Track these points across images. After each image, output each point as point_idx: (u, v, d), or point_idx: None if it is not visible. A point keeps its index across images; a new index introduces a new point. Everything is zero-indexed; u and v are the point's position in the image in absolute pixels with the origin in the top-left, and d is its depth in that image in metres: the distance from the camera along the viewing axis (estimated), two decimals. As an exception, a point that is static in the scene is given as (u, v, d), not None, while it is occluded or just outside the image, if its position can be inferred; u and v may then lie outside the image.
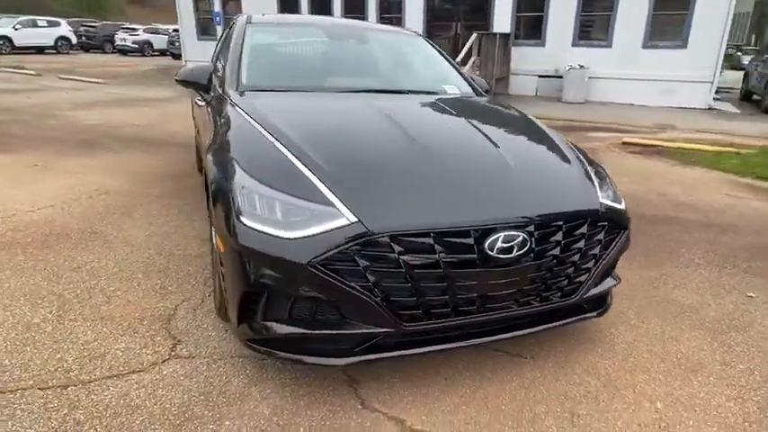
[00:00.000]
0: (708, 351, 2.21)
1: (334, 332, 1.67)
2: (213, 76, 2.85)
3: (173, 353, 2.03)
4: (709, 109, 11.37)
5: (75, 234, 3.16)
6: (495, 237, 1.67)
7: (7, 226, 3.23)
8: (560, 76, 12.11)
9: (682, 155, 6.44)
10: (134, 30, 28.06)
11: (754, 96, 13.02)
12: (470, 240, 1.65)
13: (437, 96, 2.86)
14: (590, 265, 1.92)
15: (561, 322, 1.98)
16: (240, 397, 1.80)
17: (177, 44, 22.48)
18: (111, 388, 1.81)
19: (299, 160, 1.81)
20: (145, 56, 25.87)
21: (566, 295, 1.90)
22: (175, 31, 25.65)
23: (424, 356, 1.90)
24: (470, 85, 3.19)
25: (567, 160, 2.17)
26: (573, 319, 2.01)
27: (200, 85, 2.80)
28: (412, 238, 1.61)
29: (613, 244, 1.99)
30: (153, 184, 4.27)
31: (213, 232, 2.06)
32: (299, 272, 1.58)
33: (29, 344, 2.04)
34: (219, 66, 3.15)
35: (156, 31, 28.01)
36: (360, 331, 1.67)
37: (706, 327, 2.42)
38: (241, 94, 2.53)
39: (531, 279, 1.79)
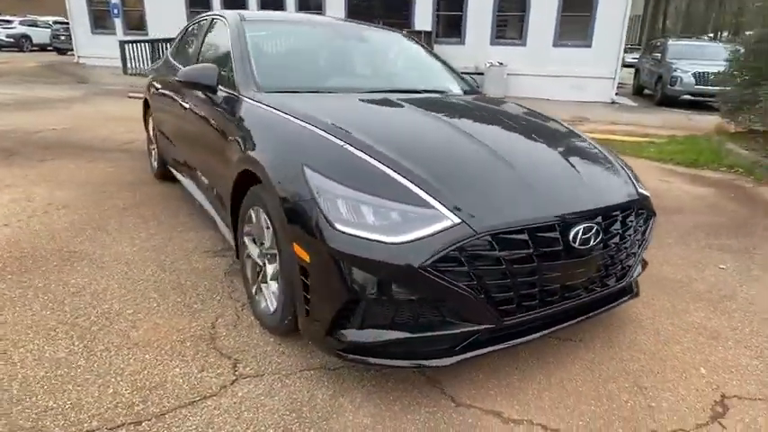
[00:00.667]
0: (716, 319, 2.49)
1: (439, 333, 1.68)
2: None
3: (237, 373, 1.90)
4: (612, 103, 12.54)
5: (53, 255, 2.82)
6: (576, 229, 1.76)
7: (-37, 251, 2.81)
8: (481, 73, 12.68)
9: (606, 145, 7.06)
10: (8, 22, 24.99)
11: (646, 91, 14.56)
12: (556, 234, 1.73)
13: (457, 95, 2.94)
14: (636, 249, 2.09)
15: (613, 305, 2.13)
16: (333, 410, 1.74)
17: (63, 38, 20.46)
18: (191, 417, 1.67)
19: (381, 163, 1.78)
20: (23, 51, 23.24)
21: (619, 279, 2.06)
22: (60, 23, 23.26)
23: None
24: (467, 82, 3.28)
25: (604, 155, 2.33)
26: (620, 301, 2.17)
27: (208, 86, 2.61)
28: (509, 235, 1.66)
29: (649, 229, 2.18)
30: (112, 195, 3.91)
31: (275, 242, 1.95)
32: (409, 275, 1.57)
33: (68, 381, 1.81)
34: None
35: (34, 24, 25.23)
36: (463, 330, 1.69)
37: (704, 298, 2.71)
38: (266, 95, 2.40)
39: (597, 267, 1.91)
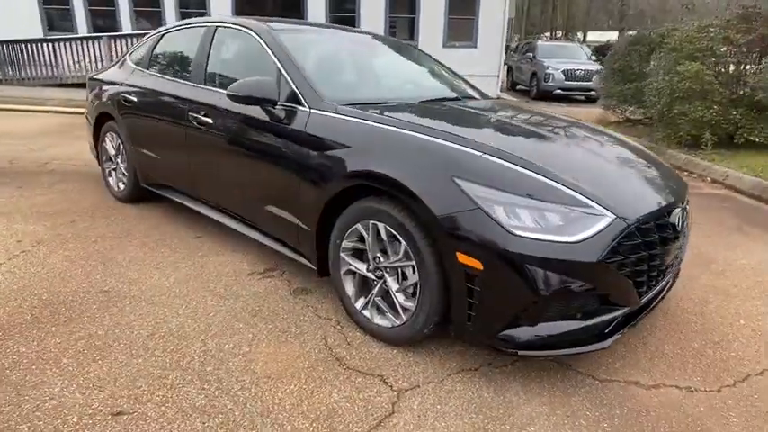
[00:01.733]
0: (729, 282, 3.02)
1: (599, 319, 1.87)
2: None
3: (394, 388, 1.91)
4: (498, 99, 13.72)
5: (84, 298, 2.48)
6: (675, 215, 2.08)
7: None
8: (380, 73, 12.99)
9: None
10: None
11: (519, 87, 16.12)
12: (668, 219, 2.03)
13: (489, 101, 3.16)
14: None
15: (675, 282, 2.50)
16: (509, 404, 1.85)
17: None
18: (393, 438, 1.66)
19: (526, 168, 1.90)
20: None
21: (680, 260, 2.43)
22: None
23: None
24: (475, 89, 3.50)
25: (650, 154, 2.69)
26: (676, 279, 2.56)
27: (269, 101, 2.48)
28: (644, 225, 1.91)
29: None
30: (86, 225, 3.46)
31: (411, 254, 1.98)
32: (587, 270, 1.74)
33: (238, 427, 1.67)
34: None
35: None
36: (615, 314, 1.90)
37: (711, 270, 3.25)
38: (344, 107, 2.37)
39: (680, 248, 2.25)
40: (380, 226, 2.07)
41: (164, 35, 3.63)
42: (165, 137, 3.29)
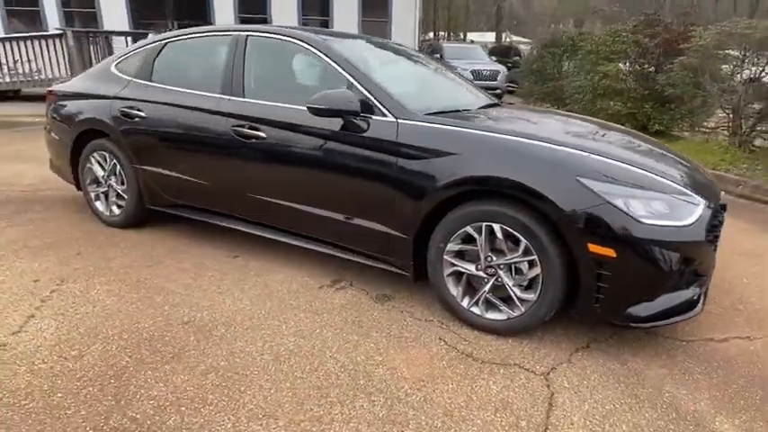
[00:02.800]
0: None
1: (695, 289, 2.20)
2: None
3: (547, 373, 2.09)
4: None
5: (173, 335, 2.32)
6: (721, 200, 2.49)
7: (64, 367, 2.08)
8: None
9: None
10: None
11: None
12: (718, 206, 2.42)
13: (517, 105, 3.39)
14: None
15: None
16: (659, 376, 2.12)
17: None
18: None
19: (631, 165, 2.18)
20: None
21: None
22: None
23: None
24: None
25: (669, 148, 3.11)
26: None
27: (353, 113, 2.49)
28: (716, 208, 2.28)
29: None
30: (100, 255, 3.17)
31: (531, 250, 2.16)
32: (698, 248, 2.07)
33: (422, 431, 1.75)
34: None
35: None
36: (704, 282, 2.25)
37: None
38: (431, 116, 2.48)
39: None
40: (495, 226, 2.22)
41: (166, 44, 3.39)
42: (193, 153, 3.12)
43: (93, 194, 3.71)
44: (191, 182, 3.19)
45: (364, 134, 2.51)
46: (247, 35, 3.04)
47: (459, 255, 2.39)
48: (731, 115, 6.13)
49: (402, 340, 2.31)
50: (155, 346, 2.19)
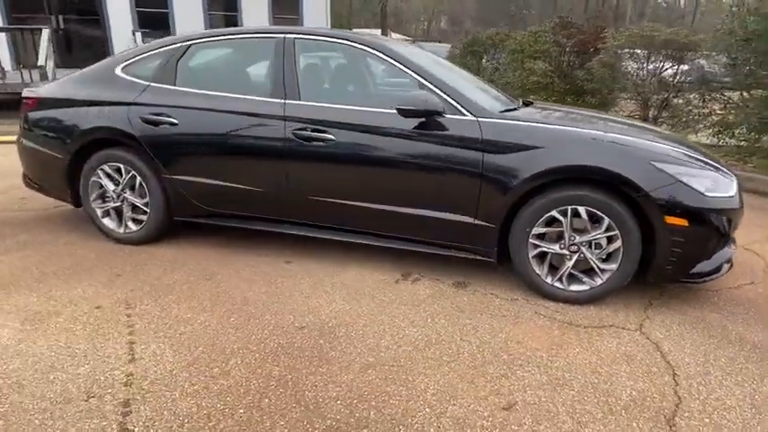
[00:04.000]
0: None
1: (730, 248, 2.72)
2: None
3: (650, 333, 2.46)
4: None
5: (295, 338, 2.33)
6: None
7: None
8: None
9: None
10: None
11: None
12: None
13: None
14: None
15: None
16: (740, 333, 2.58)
17: None
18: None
19: (682, 151, 2.63)
20: None
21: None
22: None
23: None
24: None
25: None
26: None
27: (437, 113, 2.65)
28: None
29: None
30: (155, 275, 2.99)
31: (613, 227, 2.51)
32: (738, 215, 2.58)
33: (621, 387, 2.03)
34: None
35: None
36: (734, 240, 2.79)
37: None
38: (504, 113, 2.75)
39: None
40: (581, 209, 2.55)
41: (191, 46, 3.23)
42: (243, 159, 3.04)
43: (100, 211, 3.41)
44: (238, 189, 3.10)
45: (446, 132, 2.69)
46: (295, 38, 3.03)
47: (542, 237, 2.68)
48: (641, 105, 7.17)
49: (508, 318, 2.55)
50: (292, 353, 2.20)
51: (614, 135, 2.63)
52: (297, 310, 2.58)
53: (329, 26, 14.13)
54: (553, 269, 2.72)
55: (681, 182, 2.45)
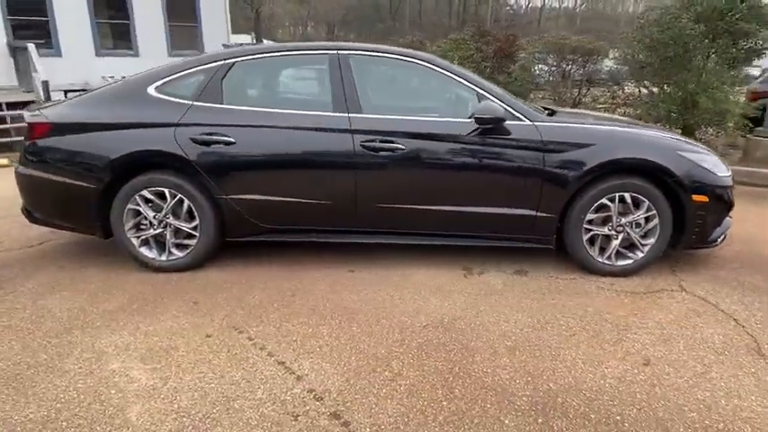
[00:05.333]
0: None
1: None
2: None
3: (698, 294, 3.01)
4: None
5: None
6: None
7: None
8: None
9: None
10: None
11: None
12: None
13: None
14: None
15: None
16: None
17: None
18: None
19: (683, 141, 3.25)
20: None
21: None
22: None
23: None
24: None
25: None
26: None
27: (503, 119, 2.96)
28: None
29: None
30: (241, 300, 2.91)
31: (651, 208, 3.04)
32: (733, 188, 3.26)
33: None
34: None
35: None
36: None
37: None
38: (551, 117, 3.16)
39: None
40: (626, 195, 3.04)
41: (234, 64, 3.15)
42: (308, 174, 3.09)
43: (137, 240, 3.19)
44: (303, 203, 3.12)
45: (510, 137, 3.02)
46: (348, 54, 3.14)
47: (592, 222, 3.13)
48: (556, 100, 8.17)
49: (582, 295, 2.95)
50: (438, 348, 2.37)
51: (647, 131, 3.17)
52: (405, 311, 2.73)
53: (230, 32, 13.67)
54: (602, 249, 3.19)
55: (700, 166, 3.05)
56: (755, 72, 8.64)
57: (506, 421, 1.90)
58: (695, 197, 3.04)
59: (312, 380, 2.13)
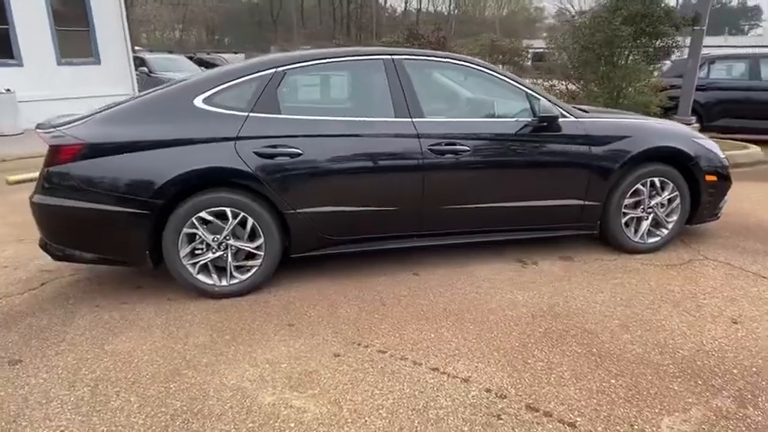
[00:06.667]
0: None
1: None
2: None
3: (722, 260, 3.47)
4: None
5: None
6: None
7: None
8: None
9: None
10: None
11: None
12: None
13: None
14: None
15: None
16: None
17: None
18: None
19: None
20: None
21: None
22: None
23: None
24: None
25: None
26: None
27: (558, 117, 3.17)
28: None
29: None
30: (338, 326, 2.80)
31: (681, 189, 3.47)
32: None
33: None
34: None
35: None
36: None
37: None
38: (584, 113, 3.44)
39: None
40: (656, 180, 3.44)
41: (286, 72, 3.00)
42: (378, 181, 3.05)
43: (193, 268, 2.91)
44: (369, 212, 3.08)
45: (561, 133, 3.26)
46: (403, 58, 3.16)
47: (626, 206, 3.49)
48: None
49: (635, 272, 3.27)
50: (565, 335, 2.52)
51: (667, 122, 3.59)
52: (500, 305, 2.83)
53: (129, 37, 12.52)
54: (635, 229, 3.55)
55: (709, 150, 3.55)
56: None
57: (675, 387, 2.10)
58: (708, 177, 3.53)
59: (479, 380, 2.15)
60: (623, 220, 3.48)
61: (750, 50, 10.21)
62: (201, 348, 2.45)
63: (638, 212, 3.51)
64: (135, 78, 12.61)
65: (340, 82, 3.26)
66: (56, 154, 2.72)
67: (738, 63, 8.63)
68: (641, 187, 3.44)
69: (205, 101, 2.90)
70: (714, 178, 3.56)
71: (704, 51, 7.01)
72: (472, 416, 1.93)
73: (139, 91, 14.00)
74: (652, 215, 3.54)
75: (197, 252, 2.91)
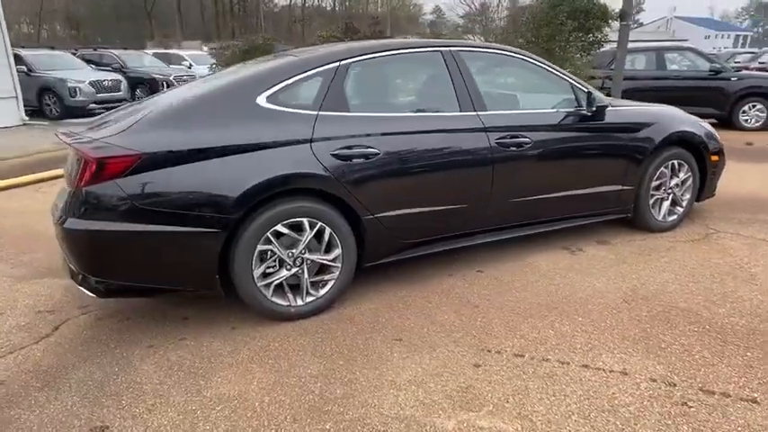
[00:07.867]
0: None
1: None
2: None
3: (748, 235, 3.81)
4: (25, 125, 11.07)
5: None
6: None
7: None
8: None
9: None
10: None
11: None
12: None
13: None
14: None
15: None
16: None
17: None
18: None
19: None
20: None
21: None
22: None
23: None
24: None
25: None
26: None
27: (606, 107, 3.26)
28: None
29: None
30: (435, 343, 2.62)
31: (692, 169, 3.77)
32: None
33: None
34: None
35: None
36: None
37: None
38: (614, 101, 3.58)
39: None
40: (676, 162, 3.70)
41: (350, 66, 2.73)
42: (452, 178, 2.92)
43: (267, 289, 2.55)
44: (441, 210, 2.93)
45: (604, 122, 3.37)
46: (458, 50, 3.04)
47: (653, 188, 3.71)
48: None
49: (673, 249, 3.48)
50: (668, 314, 2.60)
51: (675, 109, 3.86)
52: (588, 294, 2.85)
53: (6, 34, 10.72)
54: (658, 210, 3.79)
55: (712, 132, 3.88)
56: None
57: (802, 352, 2.26)
58: (712, 157, 3.87)
59: (637, 371, 2.14)
60: (651, 202, 3.70)
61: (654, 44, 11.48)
62: (321, 379, 2.15)
63: (661, 193, 3.75)
64: (17, 78, 10.89)
65: (400, 76, 3.05)
66: (100, 169, 2.22)
67: (642, 55, 9.66)
68: (665, 170, 3.68)
69: (269, 99, 2.54)
70: (716, 158, 3.91)
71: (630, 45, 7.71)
72: (663, 408, 1.91)
73: (22, 93, 12.12)
74: (671, 195, 3.80)
75: (269, 271, 2.56)
